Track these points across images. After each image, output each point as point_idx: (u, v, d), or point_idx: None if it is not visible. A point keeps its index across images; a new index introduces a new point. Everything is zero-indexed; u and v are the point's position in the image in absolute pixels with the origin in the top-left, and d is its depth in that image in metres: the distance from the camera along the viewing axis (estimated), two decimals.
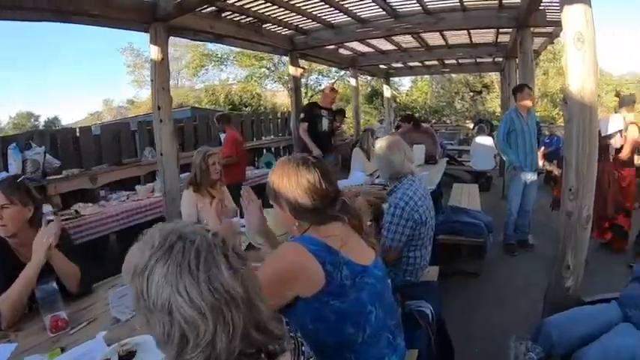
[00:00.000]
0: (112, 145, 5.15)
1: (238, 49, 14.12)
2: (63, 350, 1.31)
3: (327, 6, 4.74)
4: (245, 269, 0.73)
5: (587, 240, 2.19)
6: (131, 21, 3.65)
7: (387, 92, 11.22)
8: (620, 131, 3.83)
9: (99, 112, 25.39)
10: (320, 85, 17.26)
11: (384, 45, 7.37)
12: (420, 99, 19.20)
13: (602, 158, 3.18)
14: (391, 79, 11.58)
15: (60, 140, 4.61)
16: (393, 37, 6.51)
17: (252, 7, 4.46)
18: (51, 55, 46.34)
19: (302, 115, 5.24)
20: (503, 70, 8.69)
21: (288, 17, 5.12)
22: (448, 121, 17.14)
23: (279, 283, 1.10)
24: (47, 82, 49.44)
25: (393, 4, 4.80)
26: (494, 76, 15.73)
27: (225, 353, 0.67)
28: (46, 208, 2.46)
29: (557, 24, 5.44)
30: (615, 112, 4.09)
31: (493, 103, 16.85)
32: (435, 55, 7.92)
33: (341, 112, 7.93)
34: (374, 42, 7.07)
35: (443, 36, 6.63)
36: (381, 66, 9.82)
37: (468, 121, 14.11)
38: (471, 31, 6.32)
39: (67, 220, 3.53)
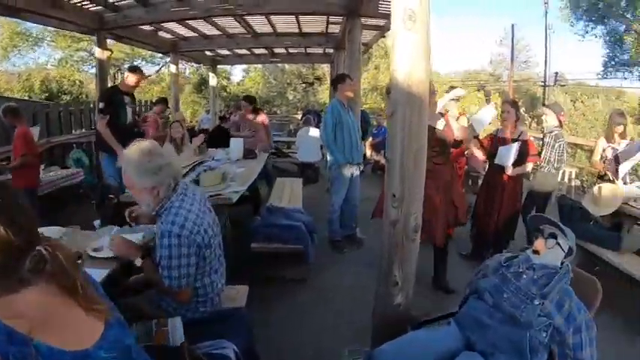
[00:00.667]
0: None
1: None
2: None
3: None
4: None
5: (415, 252, 1.94)
6: None
7: (212, 81, 10.63)
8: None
9: None
10: None
11: (208, 30, 6.81)
12: (253, 89, 19.04)
13: (446, 157, 3.07)
14: (221, 67, 10.89)
15: None
16: (217, 22, 6.09)
17: None
18: None
19: (101, 105, 4.05)
20: (333, 62, 8.91)
21: None
22: (279, 112, 17.35)
23: None
24: None
25: None
26: (326, 68, 16.58)
27: None
28: None
29: (389, 17, 5.68)
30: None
31: (324, 94, 17.84)
32: (263, 42, 7.65)
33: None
34: (198, 26, 6.48)
35: (270, 22, 6.33)
36: (207, 52, 9.23)
37: (299, 112, 14.48)
38: (301, 20, 6.22)
39: None
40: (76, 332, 0.83)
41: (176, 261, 1.49)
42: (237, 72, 20.15)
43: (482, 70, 27.59)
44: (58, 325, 0.80)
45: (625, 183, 3.39)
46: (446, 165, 3.03)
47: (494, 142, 3.57)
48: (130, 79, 4.18)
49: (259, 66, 18.58)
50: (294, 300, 2.98)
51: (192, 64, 13.88)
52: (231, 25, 6.44)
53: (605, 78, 12.12)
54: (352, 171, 3.90)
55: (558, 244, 1.64)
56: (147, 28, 6.22)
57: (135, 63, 15.54)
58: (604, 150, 3.62)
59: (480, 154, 3.77)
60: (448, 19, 59.80)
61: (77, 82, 16.16)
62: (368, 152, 7.57)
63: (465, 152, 3.99)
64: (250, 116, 5.70)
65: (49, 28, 11.89)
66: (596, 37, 11.46)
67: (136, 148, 1.56)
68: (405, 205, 1.79)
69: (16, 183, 3.62)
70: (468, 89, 15.99)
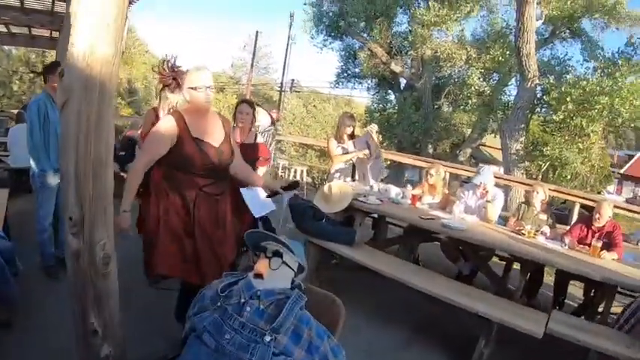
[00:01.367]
0: None
1: None
2: None
3: None
4: None
5: (114, 290, 1.46)
6: None
7: None
8: None
9: None
10: None
11: None
12: None
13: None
14: None
15: None
16: None
17: None
18: None
19: None
20: (59, 49, 7.14)
21: None
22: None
23: None
24: None
25: None
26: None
27: None
28: None
29: None
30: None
31: None
32: None
33: None
34: None
35: None
36: None
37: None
38: None
39: None
40: None
41: None
42: None
43: (224, 73, 29.58)
44: None
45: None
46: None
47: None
48: None
49: None
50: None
51: None
52: None
53: (337, 87, 13.97)
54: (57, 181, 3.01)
55: (285, 262, 1.37)
56: None
57: None
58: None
59: None
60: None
61: None
62: None
63: None
64: None
65: None
66: (333, 50, 13.21)
67: None
68: (86, 232, 1.30)
69: None
70: None
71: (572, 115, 7.01)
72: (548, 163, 7.78)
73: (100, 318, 1.45)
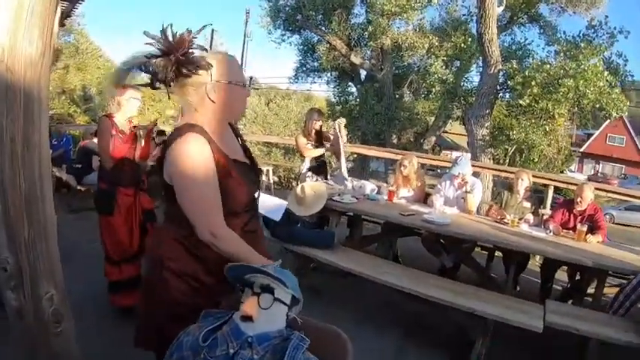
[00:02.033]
0: None
1: None
2: None
3: None
4: None
5: (73, 351, 1.19)
6: None
7: None
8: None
9: None
10: None
11: None
12: None
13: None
14: None
15: None
16: None
17: None
18: None
19: None
20: None
21: None
22: None
23: None
24: None
25: None
26: None
27: None
28: None
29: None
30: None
31: None
32: None
33: None
34: None
35: None
36: None
37: None
38: None
39: None
40: None
41: None
42: None
43: None
44: None
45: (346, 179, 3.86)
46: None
47: None
48: None
49: None
50: None
51: None
52: None
53: (296, 82, 13.71)
54: None
55: (277, 299, 1.08)
56: None
57: None
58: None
59: None
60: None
61: None
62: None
63: None
64: None
65: None
66: (291, 45, 12.94)
67: None
68: (27, 284, 1.03)
69: None
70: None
71: (537, 98, 7.13)
72: (514, 147, 7.94)
73: None
